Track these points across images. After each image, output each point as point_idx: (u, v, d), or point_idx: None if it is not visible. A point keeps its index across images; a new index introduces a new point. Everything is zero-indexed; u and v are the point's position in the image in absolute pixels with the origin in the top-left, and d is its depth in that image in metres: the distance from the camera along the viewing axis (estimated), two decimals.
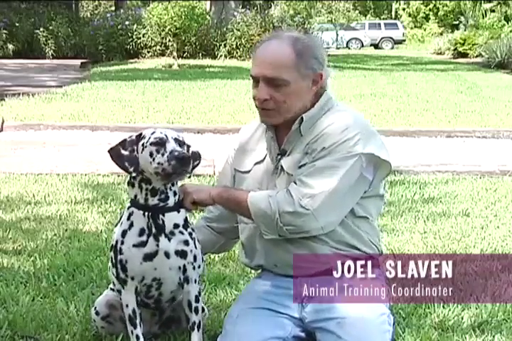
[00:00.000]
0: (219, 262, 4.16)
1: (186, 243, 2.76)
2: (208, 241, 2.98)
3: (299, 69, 2.73)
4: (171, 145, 2.67)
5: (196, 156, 2.80)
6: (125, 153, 2.72)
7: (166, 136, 2.70)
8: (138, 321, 2.79)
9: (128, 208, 2.79)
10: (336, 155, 2.69)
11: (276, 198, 2.70)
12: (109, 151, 2.76)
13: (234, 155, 3.03)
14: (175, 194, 2.77)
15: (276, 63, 2.72)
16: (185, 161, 2.65)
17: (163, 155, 2.65)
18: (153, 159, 2.67)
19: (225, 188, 2.92)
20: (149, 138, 2.70)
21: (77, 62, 20.66)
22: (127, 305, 2.79)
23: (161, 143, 2.68)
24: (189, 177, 2.79)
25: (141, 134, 2.75)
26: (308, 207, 2.66)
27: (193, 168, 2.78)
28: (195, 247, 2.79)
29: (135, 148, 2.72)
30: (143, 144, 2.71)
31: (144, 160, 2.69)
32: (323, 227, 2.71)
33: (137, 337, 2.79)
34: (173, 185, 2.76)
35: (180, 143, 2.71)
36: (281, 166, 2.81)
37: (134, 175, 2.72)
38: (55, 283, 3.79)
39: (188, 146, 2.79)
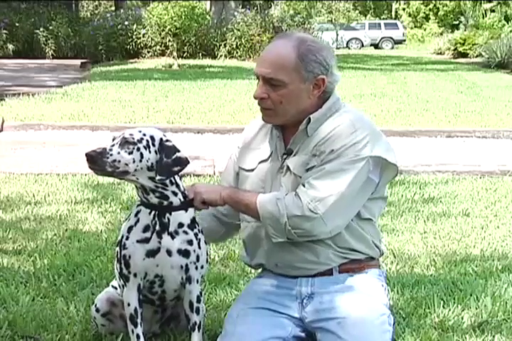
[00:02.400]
0: (219, 262, 4.16)
1: (190, 243, 2.76)
2: (208, 230, 2.96)
3: (299, 71, 2.72)
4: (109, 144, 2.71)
5: (179, 162, 2.72)
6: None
7: (121, 135, 2.71)
8: (139, 320, 2.79)
9: (137, 206, 2.80)
10: (344, 158, 2.69)
11: (284, 201, 2.69)
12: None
13: (238, 153, 3.02)
14: (175, 194, 2.76)
15: (276, 63, 2.72)
16: (87, 159, 2.65)
17: None
18: None
19: (235, 189, 2.91)
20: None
21: (77, 62, 20.65)
22: (129, 304, 2.79)
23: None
24: (160, 179, 2.71)
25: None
26: (317, 210, 2.66)
27: (170, 173, 2.71)
28: (199, 247, 2.79)
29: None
30: None
31: None
32: (331, 231, 2.71)
33: (137, 336, 2.78)
34: (165, 185, 2.73)
35: (123, 141, 2.67)
36: (288, 166, 2.81)
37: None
38: (55, 283, 3.79)
39: (172, 151, 2.72)
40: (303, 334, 2.85)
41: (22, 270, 3.99)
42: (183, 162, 2.73)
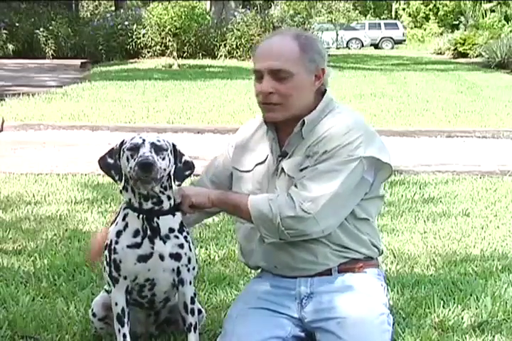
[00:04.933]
0: (219, 262, 4.16)
1: (181, 246, 2.76)
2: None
3: (303, 62, 2.73)
4: (143, 150, 2.62)
5: (189, 166, 2.75)
6: (111, 161, 2.71)
7: (143, 140, 2.65)
8: (126, 320, 2.79)
9: (124, 209, 2.78)
10: (337, 158, 2.68)
11: (277, 202, 2.68)
12: (98, 161, 2.74)
13: (232, 152, 3.00)
14: (169, 198, 2.75)
15: (281, 55, 2.72)
16: (146, 167, 2.57)
17: (134, 160, 2.62)
18: (128, 164, 2.64)
19: (224, 191, 2.90)
20: (127, 143, 2.68)
21: (77, 62, 20.67)
22: (116, 304, 2.79)
23: (135, 148, 2.64)
24: (179, 185, 2.75)
25: (123, 141, 2.72)
26: (310, 211, 2.65)
27: (184, 177, 2.74)
28: (190, 250, 2.79)
29: (118, 155, 2.71)
30: (122, 149, 2.69)
31: (123, 165, 2.68)
32: (323, 230, 2.71)
33: (124, 335, 2.78)
34: (165, 189, 2.72)
35: (157, 148, 2.64)
36: (282, 168, 2.80)
37: (119, 183, 2.71)
38: (55, 283, 3.79)
39: (181, 155, 2.75)
40: (302, 334, 2.85)
41: (22, 270, 3.98)
42: (192, 165, 2.76)
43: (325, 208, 2.66)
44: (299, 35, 2.79)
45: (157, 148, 2.65)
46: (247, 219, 2.76)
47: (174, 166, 2.72)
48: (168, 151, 2.69)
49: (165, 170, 2.66)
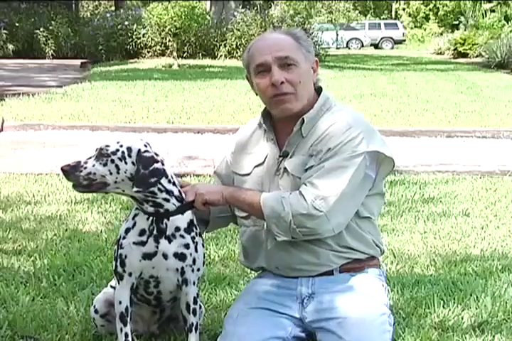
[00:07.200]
0: (219, 262, 4.16)
1: (187, 246, 2.76)
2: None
3: (302, 51, 2.80)
4: (88, 156, 2.70)
5: (156, 174, 2.67)
6: None
7: (104, 144, 2.69)
8: (128, 319, 2.80)
9: (135, 209, 2.81)
10: (342, 155, 2.70)
11: (289, 200, 2.69)
12: None
13: (231, 157, 3.02)
14: (166, 200, 2.73)
15: (283, 44, 2.79)
16: (63, 173, 2.70)
17: None
18: None
19: (237, 188, 2.89)
20: None
21: (77, 62, 20.64)
22: (120, 302, 2.79)
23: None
24: (137, 191, 2.67)
25: None
26: (322, 208, 2.66)
27: (148, 184, 2.66)
28: (196, 251, 2.79)
29: None
30: None
31: None
32: (333, 228, 2.72)
33: (126, 334, 2.79)
34: (154, 193, 2.69)
35: (99, 153, 2.67)
36: (285, 168, 2.81)
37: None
38: (55, 283, 3.79)
39: (151, 162, 2.66)
40: (303, 335, 2.85)
41: (22, 270, 3.98)
42: (160, 173, 2.69)
43: (335, 205, 2.67)
44: (288, 31, 2.89)
45: (99, 154, 2.68)
46: (260, 217, 2.77)
47: (136, 172, 2.65)
48: (114, 157, 2.65)
49: (104, 176, 2.65)
